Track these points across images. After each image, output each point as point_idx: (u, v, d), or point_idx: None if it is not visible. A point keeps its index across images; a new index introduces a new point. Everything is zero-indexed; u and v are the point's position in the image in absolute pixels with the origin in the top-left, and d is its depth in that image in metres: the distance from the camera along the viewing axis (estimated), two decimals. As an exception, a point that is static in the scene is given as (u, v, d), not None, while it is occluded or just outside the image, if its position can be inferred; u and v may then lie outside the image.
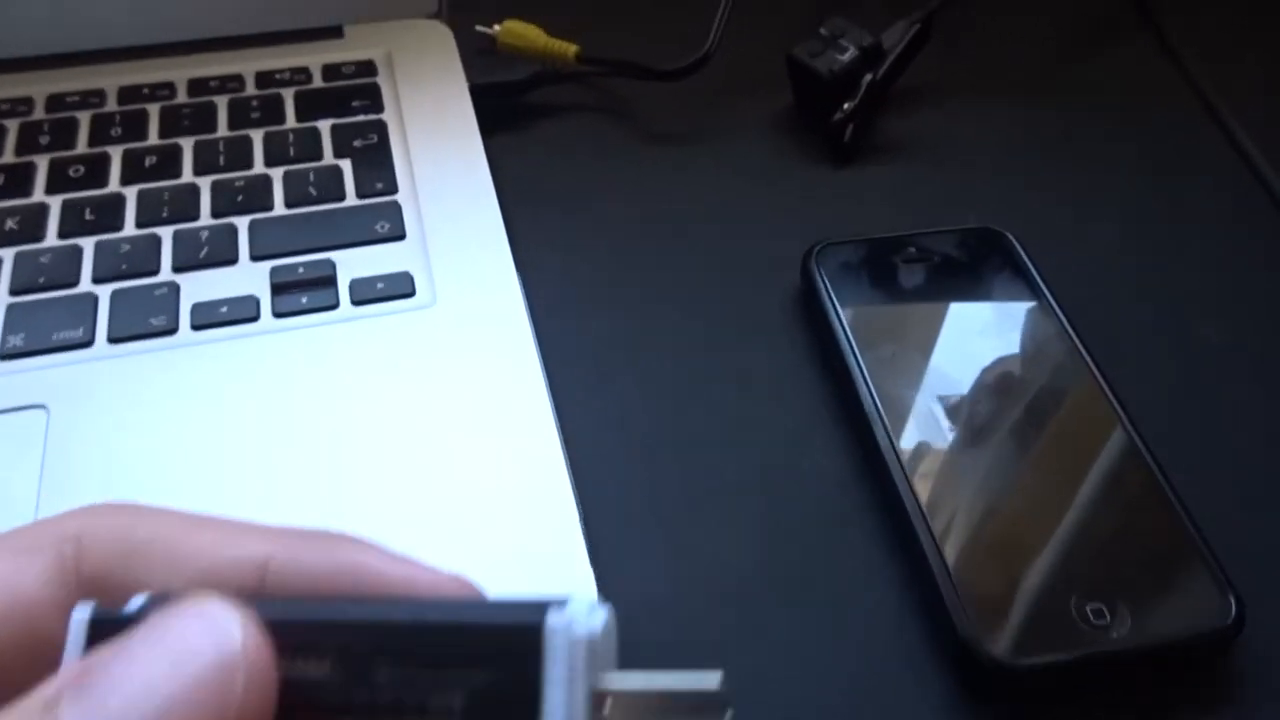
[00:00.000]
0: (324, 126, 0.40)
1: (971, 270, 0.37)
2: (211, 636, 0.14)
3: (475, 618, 0.15)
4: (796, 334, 0.37)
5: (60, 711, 0.13)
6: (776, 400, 0.35)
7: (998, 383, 0.34)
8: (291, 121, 0.40)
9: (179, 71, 0.42)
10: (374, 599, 0.16)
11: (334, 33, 0.45)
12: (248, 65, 0.43)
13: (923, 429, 0.32)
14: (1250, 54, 0.50)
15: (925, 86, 0.46)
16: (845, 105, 0.42)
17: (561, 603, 0.14)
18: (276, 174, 0.38)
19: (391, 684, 0.14)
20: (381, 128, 0.40)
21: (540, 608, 0.14)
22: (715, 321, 0.37)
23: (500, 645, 0.14)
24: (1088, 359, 0.34)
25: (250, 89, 0.42)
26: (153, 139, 0.39)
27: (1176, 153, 0.45)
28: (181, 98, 0.41)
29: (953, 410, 0.33)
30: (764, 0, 0.46)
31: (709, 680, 0.14)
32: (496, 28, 0.47)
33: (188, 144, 0.39)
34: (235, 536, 0.17)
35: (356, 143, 0.40)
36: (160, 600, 0.15)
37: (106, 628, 0.15)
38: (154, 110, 0.41)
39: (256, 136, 0.40)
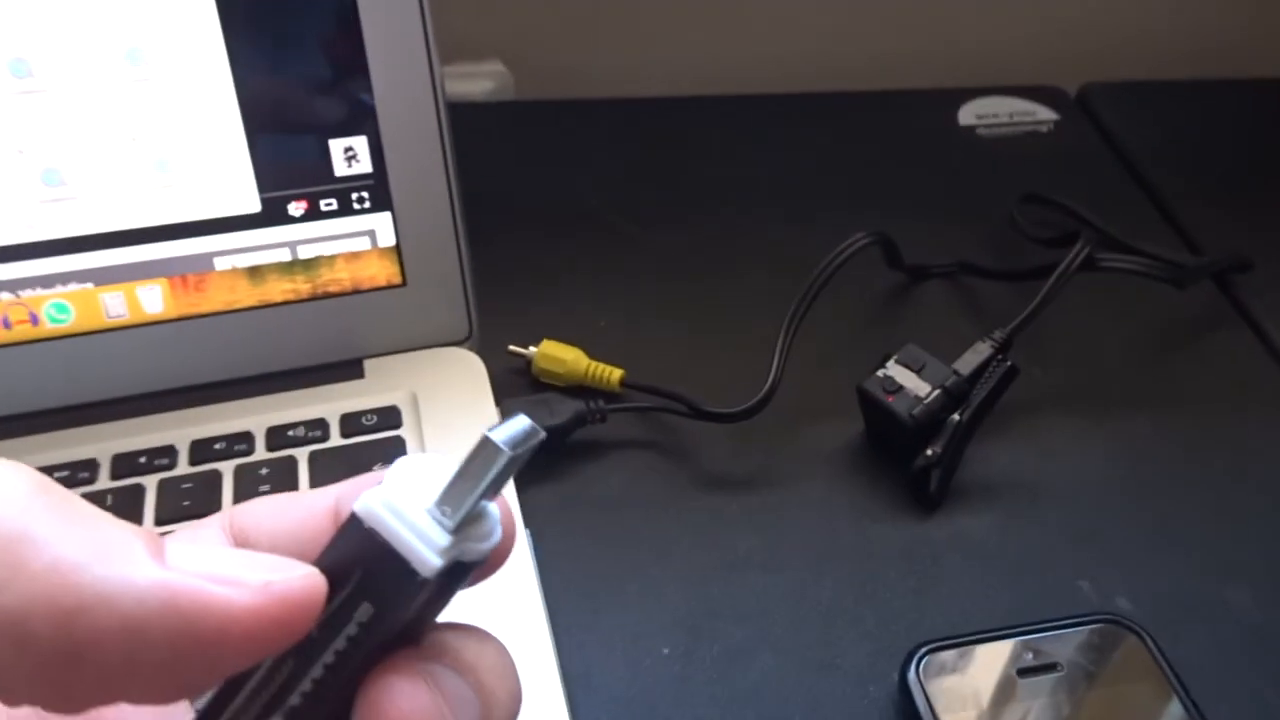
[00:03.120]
0: (342, 501, 0.36)
1: (1097, 675, 0.32)
2: None
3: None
4: (897, 761, 0.31)
5: None
6: None
7: None
8: (305, 495, 0.36)
9: (180, 430, 0.38)
10: None
11: (353, 369, 0.40)
12: (257, 419, 0.38)
13: None
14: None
15: (1011, 409, 0.41)
16: (929, 450, 0.38)
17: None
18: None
19: None
20: (407, 499, 0.36)
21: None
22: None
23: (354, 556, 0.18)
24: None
25: (260, 451, 0.37)
26: (147, 523, 0.35)
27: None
28: (182, 467, 0.37)
29: None
30: (821, 320, 0.42)
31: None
32: (532, 349, 0.43)
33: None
34: (315, 496, 0.21)
35: (378, 523, 0.35)
36: None
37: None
38: (151, 484, 0.36)
39: (265, 516, 0.35)
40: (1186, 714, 0.31)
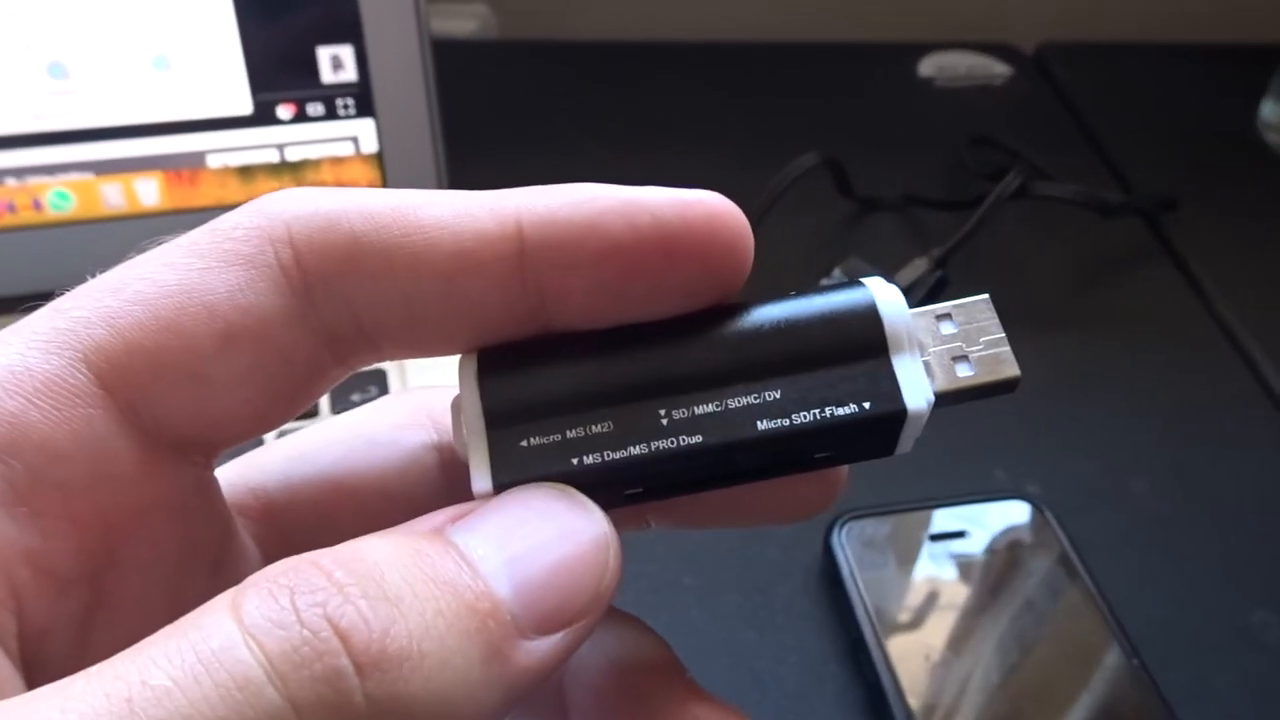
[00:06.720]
0: None
1: (1003, 544, 0.35)
2: (588, 520, 0.14)
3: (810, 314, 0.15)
4: (819, 615, 0.34)
5: (452, 536, 0.13)
6: (798, 701, 0.32)
7: (1035, 683, 0.31)
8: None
9: None
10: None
11: None
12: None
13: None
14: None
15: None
16: (864, 352, 0.41)
17: (865, 289, 0.15)
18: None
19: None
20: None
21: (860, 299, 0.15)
22: (723, 593, 0.35)
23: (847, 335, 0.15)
24: (1137, 663, 0.32)
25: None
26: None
27: (1205, 388, 0.44)
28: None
29: (986, 703, 0.30)
30: (773, 244, 0.45)
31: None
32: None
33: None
34: (468, 205, 0.14)
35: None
36: None
37: (495, 360, 0.15)
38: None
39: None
40: (1083, 582, 0.34)
